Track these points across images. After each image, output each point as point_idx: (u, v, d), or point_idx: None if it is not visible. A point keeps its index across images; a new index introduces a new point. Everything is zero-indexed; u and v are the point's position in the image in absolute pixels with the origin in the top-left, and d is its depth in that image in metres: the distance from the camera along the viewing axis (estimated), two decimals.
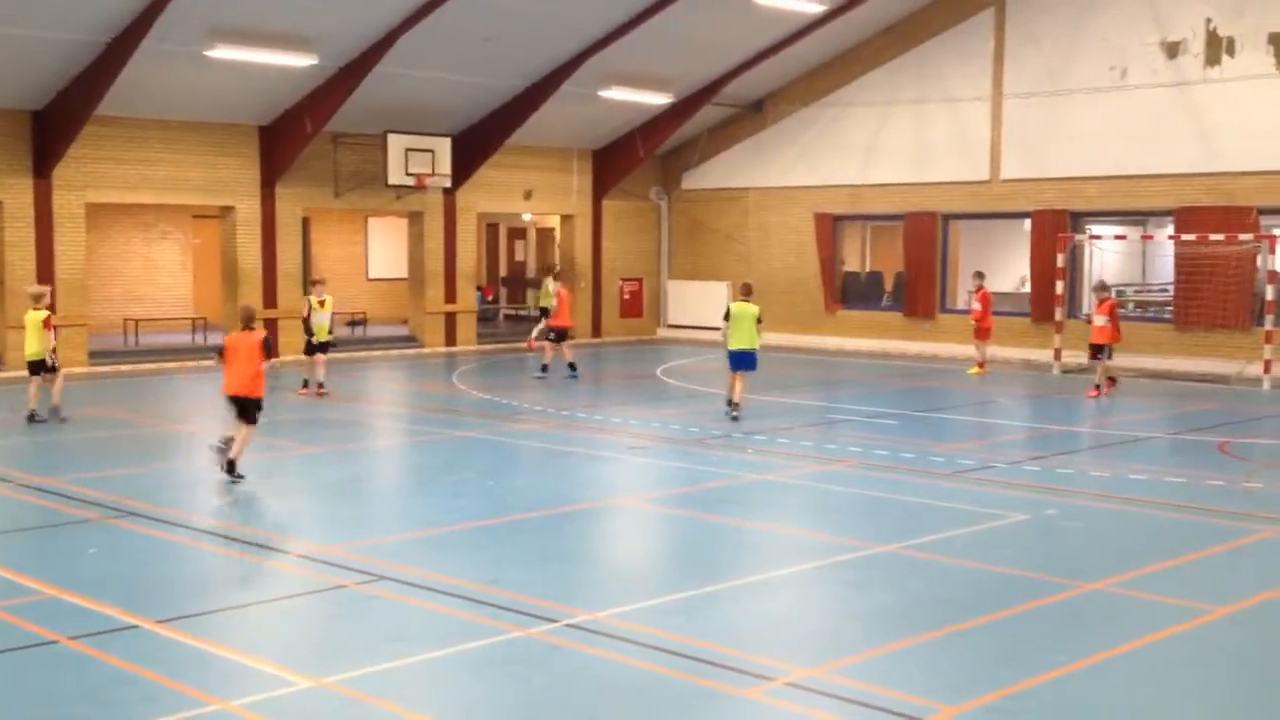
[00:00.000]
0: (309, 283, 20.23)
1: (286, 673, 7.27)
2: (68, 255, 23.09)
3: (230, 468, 12.47)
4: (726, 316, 16.99)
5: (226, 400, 12.91)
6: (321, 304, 19.67)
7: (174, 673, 7.26)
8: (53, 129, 22.24)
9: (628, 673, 7.40)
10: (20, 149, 22.39)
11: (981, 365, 23.15)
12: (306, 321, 19.68)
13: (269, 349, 12.83)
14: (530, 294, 36.28)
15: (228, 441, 12.60)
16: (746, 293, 17.19)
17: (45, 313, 16.37)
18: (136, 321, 26.58)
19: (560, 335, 21.99)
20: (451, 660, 7.55)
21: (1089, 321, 20.52)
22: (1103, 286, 20.78)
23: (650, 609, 8.59)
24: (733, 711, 6.90)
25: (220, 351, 13.04)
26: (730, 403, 16.98)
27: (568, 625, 8.12)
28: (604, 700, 7.01)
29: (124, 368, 23.16)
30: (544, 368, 22.08)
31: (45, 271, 22.69)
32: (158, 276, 29.49)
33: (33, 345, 16.26)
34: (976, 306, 23.14)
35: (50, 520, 11.17)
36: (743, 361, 16.86)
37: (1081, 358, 23.34)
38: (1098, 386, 19.84)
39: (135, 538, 10.63)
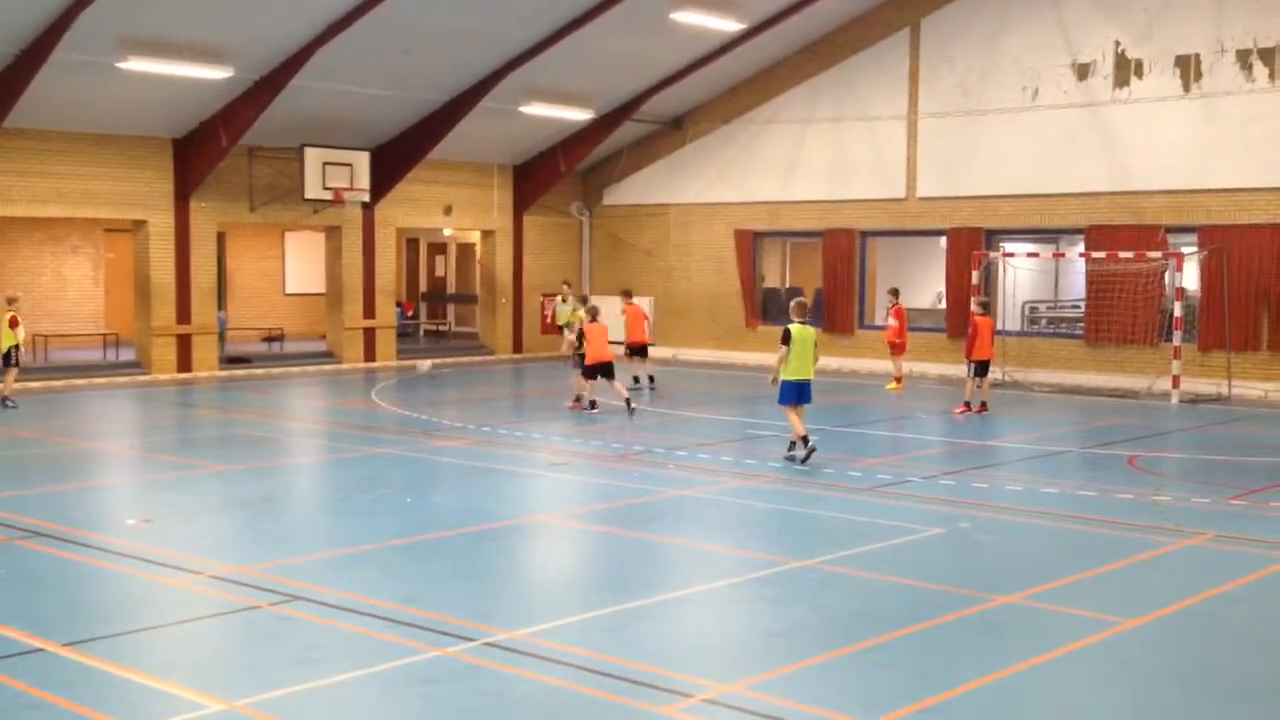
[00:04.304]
0: (580, 299, 20.70)
1: (198, 696, 7.12)
2: None
3: (627, 404, 19.02)
4: (785, 340, 14.78)
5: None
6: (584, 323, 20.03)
7: (82, 697, 7.08)
8: None
9: (547, 692, 7.36)
10: None
11: (899, 380, 23.43)
12: (581, 338, 19.87)
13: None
14: (451, 309, 36.12)
15: (628, 401, 19.15)
16: (803, 313, 15.10)
17: (11, 312, 19.70)
18: (46, 337, 25.97)
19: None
20: (368, 681, 7.46)
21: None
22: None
23: (570, 626, 8.55)
24: None
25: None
26: (801, 441, 14.91)
27: (485, 644, 8.06)
28: (520, 719, 6.96)
29: (33, 385, 22.57)
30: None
31: None
32: (68, 291, 28.87)
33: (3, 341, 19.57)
34: (892, 323, 23.44)
35: None
36: (803, 393, 14.98)
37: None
38: (967, 404, 19.84)
39: (43, 559, 10.36)
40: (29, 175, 22.99)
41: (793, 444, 15.08)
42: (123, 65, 21.07)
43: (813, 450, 14.89)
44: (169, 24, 20.69)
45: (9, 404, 19.50)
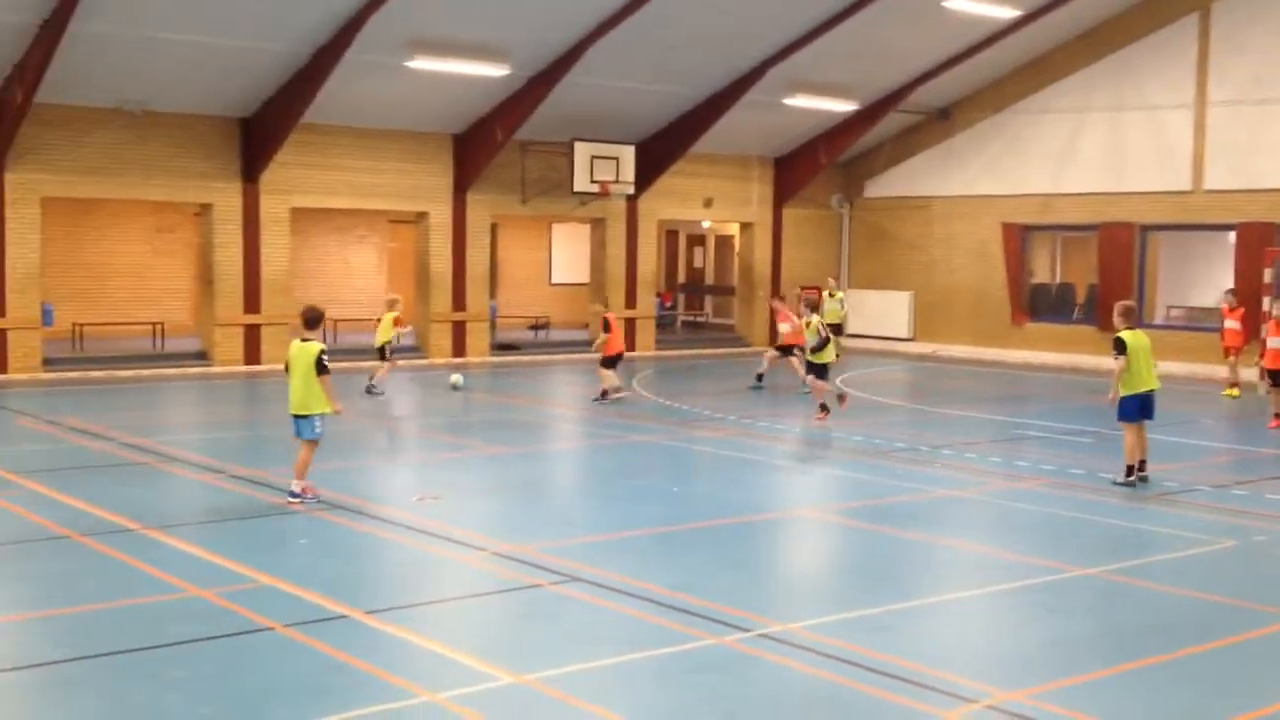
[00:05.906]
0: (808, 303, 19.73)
1: (488, 667, 7.47)
2: (273, 257, 24.21)
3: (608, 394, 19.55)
4: (1120, 349, 13.09)
5: (611, 358, 19.74)
6: (807, 325, 18.72)
7: (383, 662, 7.54)
8: (260, 136, 23.34)
9: (824, 687, 7.36)
10: (230, 155, 23.56)
11: (1236, 385, 21.65)
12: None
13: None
14: (708, 300, 36.39)
15: (616, 389, 19.76)
16: (1131, 318, 13.56)
17: (395, 313, 20.41)
18: (335, 321, 27.57)
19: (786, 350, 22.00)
20: (645, 664, 7.64)
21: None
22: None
23: (843, 622, 8.54)
24: None
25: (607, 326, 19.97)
26: (1128, 469, 13.31)
27: (760, 635, 8.13)
28: (799, 714, 6.99)
29: None
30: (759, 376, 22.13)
31: (251, 272, 23.86)
32: (354, 278, 30.59)
33: (382, 336, 20.22)
34: (1232, 325, 21.41)
35: (262, 511, 11.72)
36: (1147, 407, 13.26)
37: None
38: (1278, 416, 18.12)
39: (342, 531, 11.06)
40: (322, 168, 24.49)
41: (1130, 469, 13.32)
42: (410, 64, 22.18)
43: (1133, 482, 13.21)
44: (453, 24, 21.64)
45: (375, 390, 20.03)
